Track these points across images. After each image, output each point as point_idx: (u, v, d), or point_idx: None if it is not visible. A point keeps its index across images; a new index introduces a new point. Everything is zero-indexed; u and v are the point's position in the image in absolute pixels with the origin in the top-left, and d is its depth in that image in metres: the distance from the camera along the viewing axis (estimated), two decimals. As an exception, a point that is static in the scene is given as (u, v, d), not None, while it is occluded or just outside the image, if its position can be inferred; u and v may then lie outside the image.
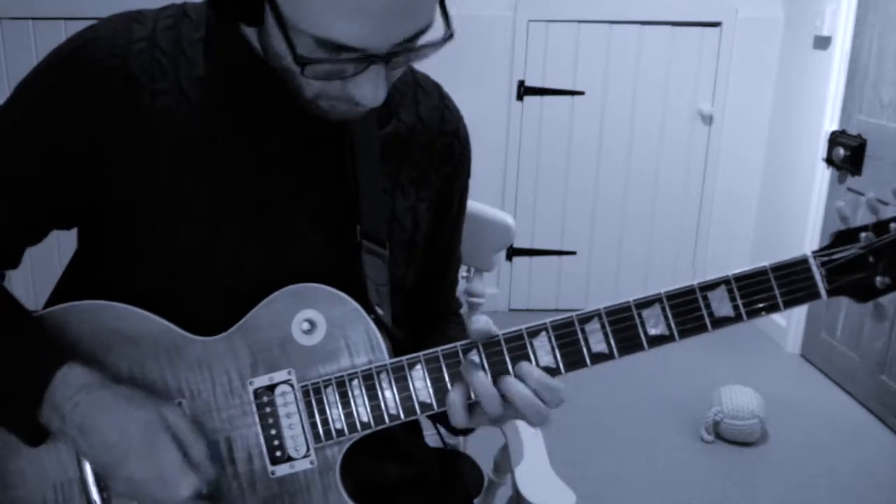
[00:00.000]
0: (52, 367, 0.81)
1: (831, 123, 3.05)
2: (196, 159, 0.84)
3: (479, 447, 1.32)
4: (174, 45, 0.85)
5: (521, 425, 1.20)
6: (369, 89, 0.77)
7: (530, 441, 1.17)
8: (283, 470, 0.84)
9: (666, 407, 2.88)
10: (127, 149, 0.83)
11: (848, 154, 2.88)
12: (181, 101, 0.84)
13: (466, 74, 3.26)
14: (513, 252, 3.62)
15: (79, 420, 0.79)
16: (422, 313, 1.04)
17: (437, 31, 0.78)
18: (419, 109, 0.96)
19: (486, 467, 1.22)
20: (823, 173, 3.10)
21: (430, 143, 0.97)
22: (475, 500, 1.11)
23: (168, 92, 0.83)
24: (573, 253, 3.66)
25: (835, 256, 0.81)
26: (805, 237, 3.16)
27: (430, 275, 1.03)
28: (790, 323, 3.33)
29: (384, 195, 0.93)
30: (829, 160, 3.03)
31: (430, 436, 1.12)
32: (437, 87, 1.00)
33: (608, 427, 2.74)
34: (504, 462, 1.28)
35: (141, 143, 0.83)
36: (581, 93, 3.46)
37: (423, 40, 0.77)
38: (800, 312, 3.29)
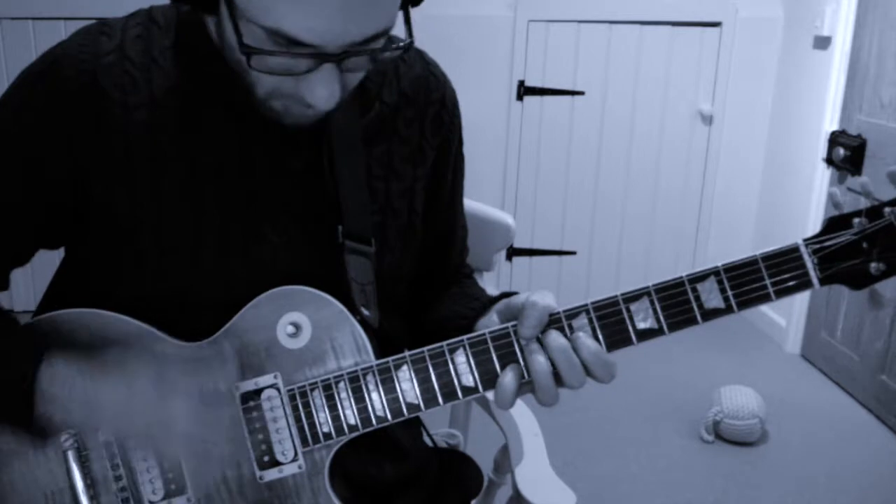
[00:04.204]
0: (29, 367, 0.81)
1: (831, 123, 3.05)
2: (175, 169, 0.84)
3: (479, 447, 1.32)
4: (145, 54, 0.84)
5: (521, 425, 1.19)
6: (322, 91, 0.75)
7: (530, 441, 1.17)
8: (271, 475, 0.84)
9: (666, 407, 2.87)
10: (105, 165, 0.83)
11: (848, 154, 2.88)
12: (156, 112, 0.83)
13: (466, 74, 3.25)
14: (513, 252, 3.62)
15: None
16: (431, 285, 1.04)
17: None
18: (401, 84, 0.94)
19: (486, 467, 1.22)
20: (823, 173, 3.09)
21: (417, 115, 0.95)
22: (474, 500, 1.11)
23: (142, 105, 0.83)
24: (573, 253, 3.66)
25: (827, 243, 0.78)
26: (805, 237, 3.15)
27: (433, 252, 1.02)
28: (790, 323, 3.33)
29: (378, 182, 0.92)
30: (829, 160, 3.03)
31: (433, 435, 1.12)
32: (420, 54, 0.97)
33: (608, 427, 2.74)
34: (504, 462, 1.28)
35: (118, 157, 0.83)
36: (581, 93, 3.46)
37: (380, 44, 0.75)
38: (800, 312, 3.29)
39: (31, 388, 0.81)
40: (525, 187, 3.56)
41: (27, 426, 0.82)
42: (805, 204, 3.19)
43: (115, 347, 0.84)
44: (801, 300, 3.25)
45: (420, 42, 0.80)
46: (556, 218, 3.61)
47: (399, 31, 0.79)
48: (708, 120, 3.52)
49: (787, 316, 3.34)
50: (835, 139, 2.99)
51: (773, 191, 3.52)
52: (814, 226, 3.15)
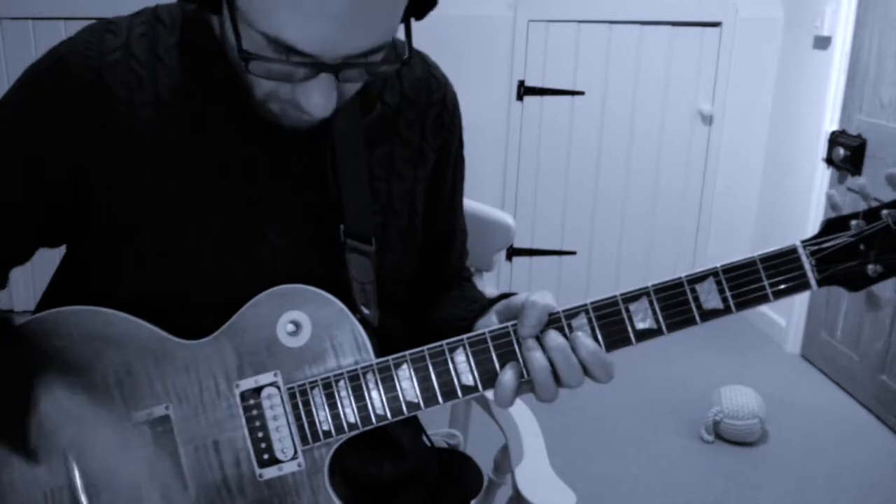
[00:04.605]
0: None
1: (831, 123, 3.05)
2: (178, 168, 0.84)
3: (479, 447, 1.32)
4: (150, 52, 0.84)
5: (521, 425, 1.20)
6: (318, 99, 0.75)
7: (530, 441, 1.17)
8: (270, 472, 0.84)
9: (666, 407, 2.87)
10: (108, 163, 0.83)
11: (848, 154, 2.88)
12: (160, 111, 0.83)
13: (466, 74, 3.25)
14: (513, 252, 3.62)
15: None
16: (431, 286, 1.04)
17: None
18: (403, 85, 0.95)
19: (486, 467, 1.22)
20: (823, 173, 3.09)
21: (419, 116, 0.96)
22: (474, 500, 1.11)
23: (147, 103, 0.83)
24: (573, 253, 3.66)
25: (825, 245, 0.79)
26: (805, 237, 3.15)
27: (433, 253, 1.02)
28: (790, 323, 3.33)
29: (380, 183, 0.92)
30: (829, 160, 3.03)
31: (432, 435, 1.12)
32: (420, 56, 0.98)
33: (608, 427, 2.74)
34: (504, 462, 1.28)
35: (122, 155, 0.83)
36: (581, 93, 3.46)
37: (378, 57, 0.76)
38: (800, 312, 3.29)
39: (33, 397, 0.80)
40: (525, 187, 3.56)
41: (20, 434, 0.82)
42: (805, 204, 3.19)
43: (115, 347, 0.84)
44: (801, 300, 3.25)
45: (420, 42, 0.80)
46: (556, 218, 3.61)
47: (400, 35, 0.79)
48: (708, 120, 3.52)
49: (787, 316, 3.34)
50: (835, 139, 2.99)
51: (773, 191, 3.52)
52: (814, 226, 3.14)
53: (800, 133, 3.28)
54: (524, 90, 3.44)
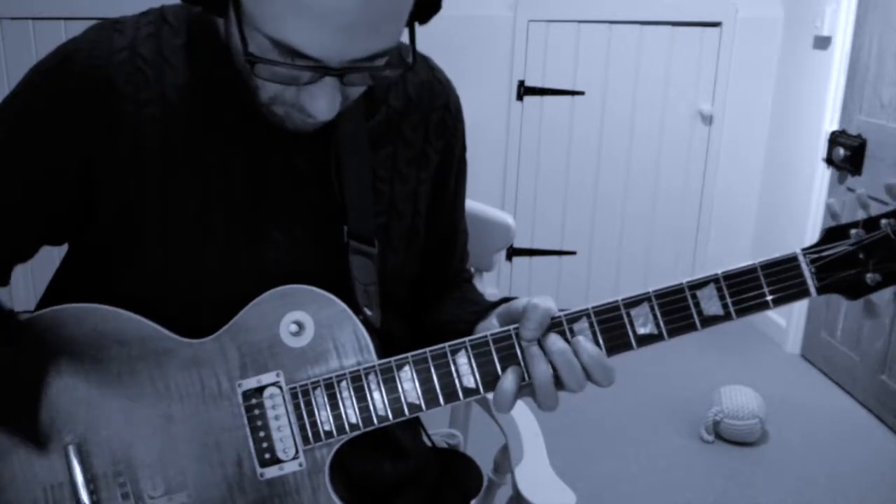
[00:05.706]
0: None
1: (831, 123, 3.05)
2: (184, 166, 0.84)
3: (479, 447, 1.32)
4: (156, 52, 0.84)
5: (521, 425, 1.20)
6: (322, 102, 0.76)
7: (530, 441, 1.17)
8: (271, 472, 0.84)
9: (666, 407, 2.87)
10: (114, 161, 0.83)
11: (848, 154, 2.88)
12: (166, 109, 0.84)
13: (466, 74, 3.24)
14: (513, 252, 3.62)
15: None
16: (432, 288, 1.05)
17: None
18: (407, 88, 0.95)
19: (486, 467, 1.22)
20: (823, 173, 3.10)
21: (422, 120, 0.96)
22: (474, 500, 1.11)
23: (153, 101, 0.83)
24: (573, 253, 3.66)
25: (825, 253, 0.80)
26: (805, 237, 3.16)
27: (434, 254, 1.03)
28: (790, 323, 3.33)
29: (383, 184, 0.93)
30: (829, 160, 3.03)
31: (432, 434, 1.12)
32: (424, 60, 0.99)
33: (608, 427, 2.74)
34: (504, 462, 1.28)
35: (128, 153, 0.83)
36: (581, 93, 3.46)
37: (382, 62, 0.76)
38: (800, 312, 3.29)
39: (37, 395, 0.81)
40: (525, 187, 3.56)
41: (30, 430, 0.83)
42: (805, 204, 3.20)
43: (117, 345, 0.84)
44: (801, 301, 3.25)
45: (420, 43, 0.80)
46: (556, 218, 3.61)
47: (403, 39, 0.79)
48: (708, 120, 3.52)
49: (787, 316, 3.34)
50: (835, 139, 2.99)
51: (773, 191, 3.52)
52: (813, 226, 3.15)
53: (800, 133, 3.28)
54: (524, 90, 3.44)
